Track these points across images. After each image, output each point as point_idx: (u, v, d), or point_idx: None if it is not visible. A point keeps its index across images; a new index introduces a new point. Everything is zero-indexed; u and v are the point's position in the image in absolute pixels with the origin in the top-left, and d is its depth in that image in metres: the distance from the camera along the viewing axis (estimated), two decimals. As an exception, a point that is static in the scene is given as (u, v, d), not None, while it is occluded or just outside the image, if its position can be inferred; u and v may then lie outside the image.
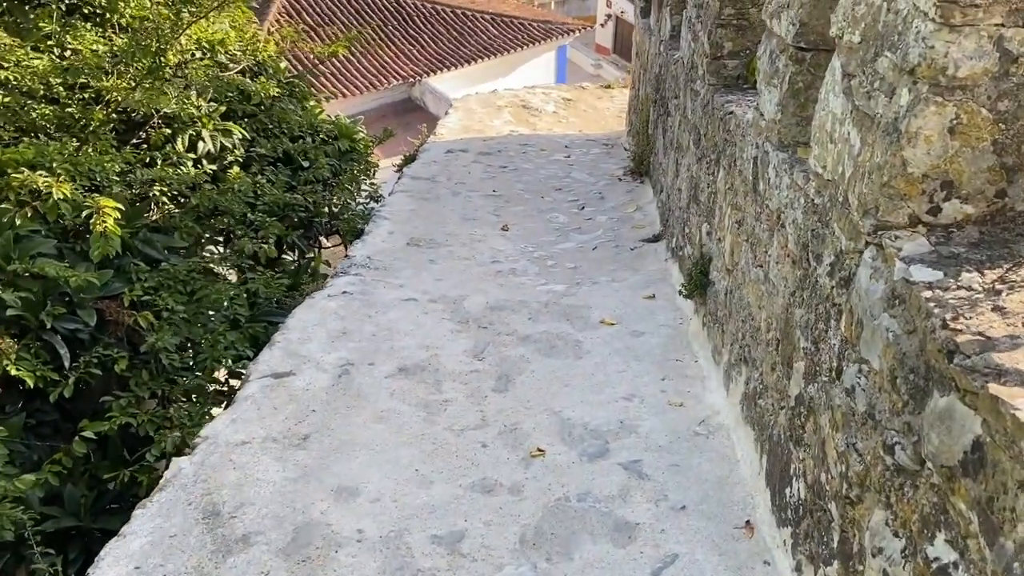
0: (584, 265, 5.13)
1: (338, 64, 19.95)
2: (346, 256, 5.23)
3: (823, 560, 2.02)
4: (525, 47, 21.77)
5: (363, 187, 7.27)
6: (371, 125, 20.44)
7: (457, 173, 7.03)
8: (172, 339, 4.41)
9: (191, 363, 4.66)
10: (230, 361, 4.84)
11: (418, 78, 20.30)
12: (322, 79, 19.46)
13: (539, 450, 3.00)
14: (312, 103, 7.50)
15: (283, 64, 7.20)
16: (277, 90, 6.66)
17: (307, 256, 6.70)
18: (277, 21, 20.34)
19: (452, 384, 3.53)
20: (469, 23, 21.91)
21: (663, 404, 3.33)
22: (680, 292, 4.06)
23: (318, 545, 2.48)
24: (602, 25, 40.54)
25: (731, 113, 3.52)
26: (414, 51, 21.07)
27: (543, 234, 5.73)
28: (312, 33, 20.67)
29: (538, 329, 4.11)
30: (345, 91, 19.33)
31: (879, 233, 1.86)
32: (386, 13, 21.62)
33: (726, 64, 3.96)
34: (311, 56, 8.02)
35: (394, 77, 20.32)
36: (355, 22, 21.26)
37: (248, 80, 6.36)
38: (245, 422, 3.18)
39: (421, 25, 21.63)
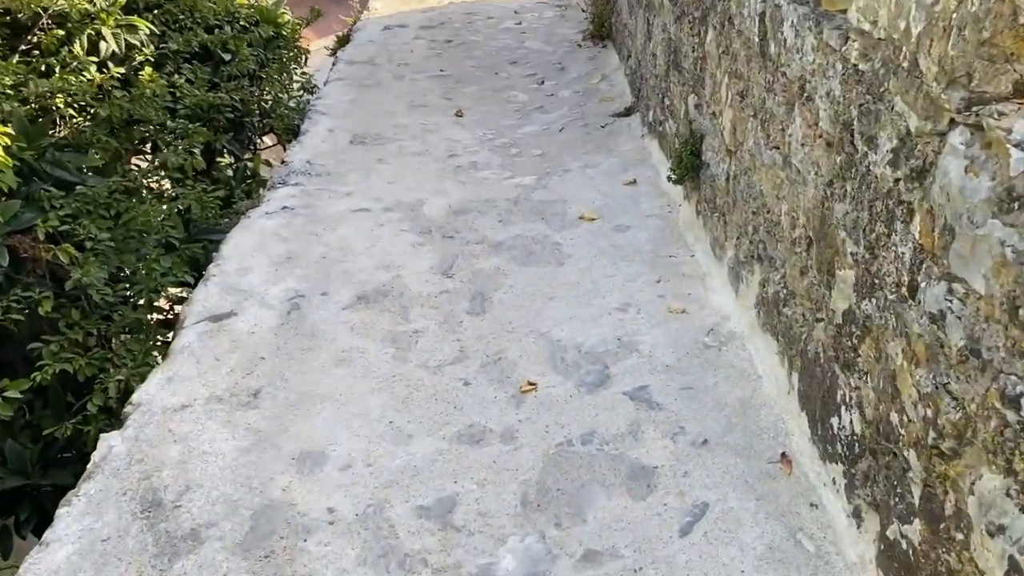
0: (552, 150, 4.59)
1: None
2: (282, 162, 4.62)
3: (897, 515, 1.66)
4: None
5: (295, 78, 6.53)
6: (299, 4, 19.02)
7: (398, 52, 6.29)
8: (100, 272, 3.88)
9: (127, 296, 4.17)
10: (170, 289, 4.36)
11: (344, -53, 18.64)
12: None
13: (530, 383, 2.59)
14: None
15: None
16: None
17: (242, 160, 6.05)
18: None
19: (421, 310, 3.07)
20: None
21: (663, 312, 2.93)
22: (668, 177, 3.58)
23: (282, 534, 2.08)
24: None
25: None
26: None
27: (502, 117, 5.13)
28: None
29: (511, 233, 3.63)
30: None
31: (974, 110, 1.39)
32: None
33: (706, -101, 3.32)
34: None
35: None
36: None
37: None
38: (183, 380, 2.71)
39: None
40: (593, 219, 3.70)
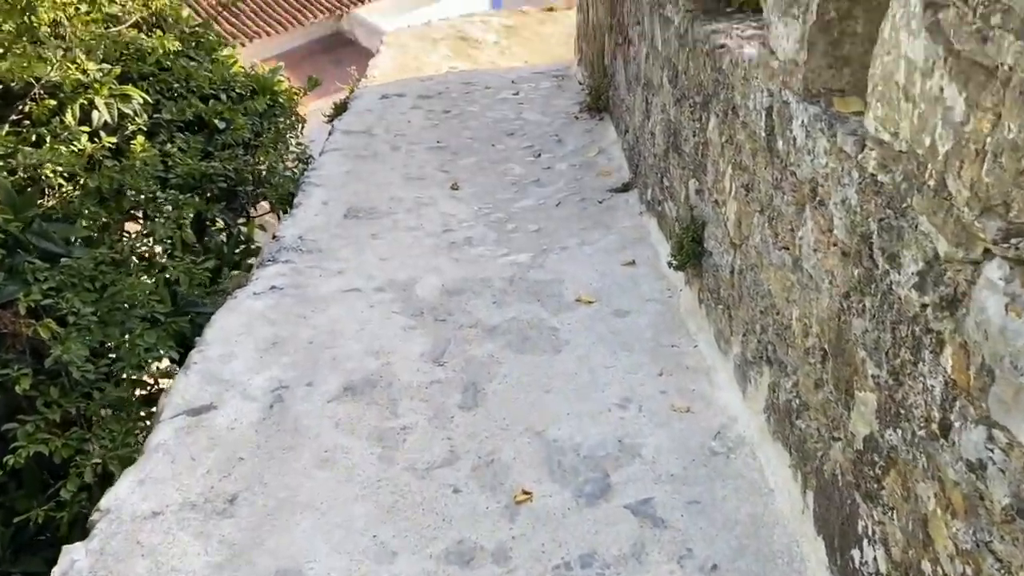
0: (548, 225, 4.50)
1: (259, 1, 18.58)
2: (273, 237, 4.51)
3: None
4: (455, -32, 20.47)
5: (291, 147, 6.48)
6: (299, 64, 19.24)
7: (395, 123, 6.26)
8: (81, 349, 3.74)
9: (110, 371, 4.02)
10: (154, 367, 4.23)
11: (345, 9, 19.02)
12: (241, 18, 18.12)
13: (525, 492, 2.43)
14: (225, 53, 6.59)
15: (185, 12, 6.26)
16: (178, 44, 5.77)
17: (234, 227, 5.96)
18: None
19: (410, 403, 2.92)
20: (394, -54, 20.46)
21: (666, 410, 2.78)
22: (669, 263, 3.47)
23: (253, 673, 1.91)
24: (535, -60, 38.90)
25: (722, 47, 2.87)
26: (338, -19, 19.66)
27: (498, 190, 5.06)
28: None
29: (505, 315, 3.50)
30: (268, 29, 18.08)
31: (1014, 242, 1.27)
32: (303, -59, 20.07)
33: (706, -15, 3.29)
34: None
35: (319, 10, 19.03)
36: (272, -49, 19.72)
37: (143, 35, 5.44)
38: (156, 483, 2.55)
39: (342, -49, 20.13)
40: (591, 302, 3.58)
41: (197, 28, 6.24)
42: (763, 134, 2.41)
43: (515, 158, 5.59)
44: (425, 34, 8.87)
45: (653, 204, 4.19)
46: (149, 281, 4.62)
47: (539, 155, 5.60)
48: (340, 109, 7.20)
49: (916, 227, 1.55)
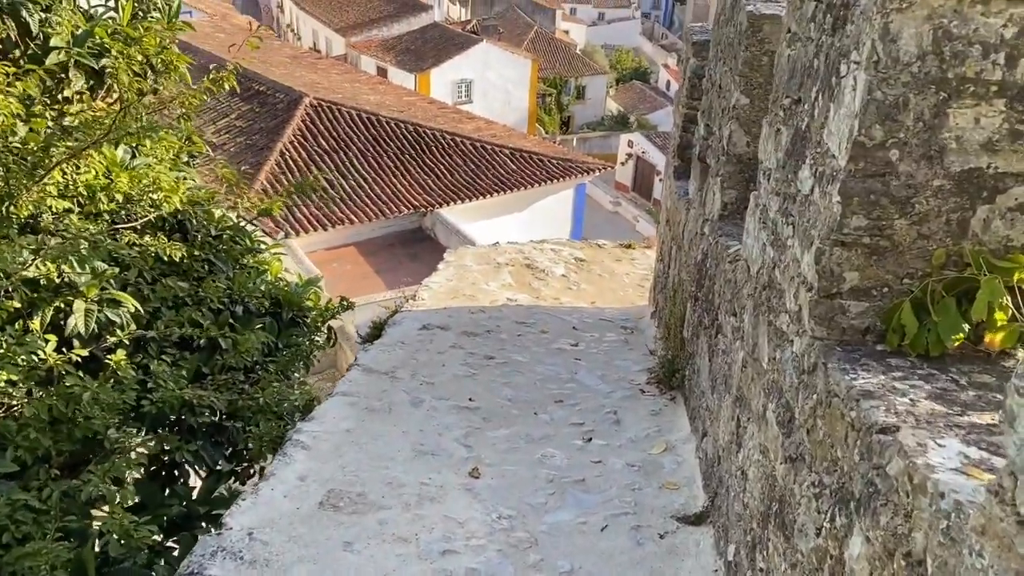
0: (587, 565, 3.27)
1: (348, 189, 18.98)
2: (219, 524, 3.41)
3: None
4: (543, 183, 20.76)
5: (305, 375, 5.55)
6: (375, 253, 19.22)
7: (427, 365, 5.29)
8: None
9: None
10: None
11: (430, 208, 19.21)
12: (332, 204, 18.39)
13: None
14: (258, 258, 5.88)
15: (218, 212, 5.63)
16: (197, 251, 5.06)
17: (217, 471, 4.89)
18: (291, 143, 19.51)
19: None
20: (487, 156, 21.02)
21: None
22: None
23: None
24: (622, 164, 40.33)
25: (885, 434, 1.76)
26: (429, 180, 20.10)
27: (529, 488, 3.89)
28: (328, 157, 19.83)
29: None
30: (354, 217, 18.26)
31: None
32: (404, 141, 20.84)
33: (846, 308, 2.25)
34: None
35: (406, 206, 19.27)
36: (372, 148, 20.42)
37: (155, 239, 4.72)
38: None
39: (439, 155, 20.77)
40: None
41: (225, 231, 5.55)
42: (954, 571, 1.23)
43: (559, 438, 4.47)
44: (489, 256, 8.18)
45: (735, 569, 2.94)
46: (66, 545, 3.57)
47: (590, 439, 4.46)
48: (376, 331, 6.33)
49: None
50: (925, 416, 1.79)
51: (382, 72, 36.16)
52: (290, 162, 18.71)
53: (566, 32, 54.18)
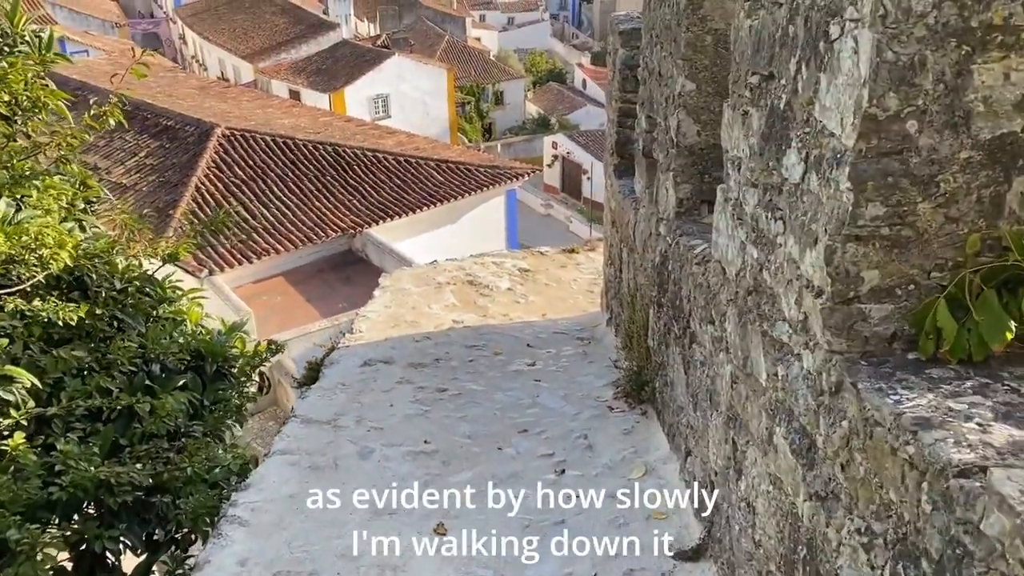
0: (580, 627, 2.85)
1: (272, 218, 18.23)
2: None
3: None
4: (472, 193, 20.35)
5: (234, 436, 4.98)
6: (307, 281, 18.45)
7: (373, 407, 4.79)
8: None
9: None
10: None
11: (359, 230, 18.60)
12: (254, 235, 17.66)
13: None
14: (174, 308, 5.28)
15: (122, 263, 5.01)
16: (100, 309, 4.47)
17: (150, 554, 4.30)
18: (206, 177, 18.66)
19: None
20: (413, 170, 20.51)
21: None
22: None
23: None
24: (549, 166, 40.26)
25: (940, 455, 1.40)
26: (355, 201, 19.49)
27: (504, 540, 3.44)
28: (245, 187, 19.00)
29: None
30: (279, 246, 17.52)
31: None
32: (324, 162, 20.18)
33: (867, 313, 1.89)
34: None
35: (332, 229, 18.64)
36: (291, 173, 19.70)
37: (40, 303, 4.11)
38: None
39: (362, 174, 20.18)
40: None
41: (132, 281, 4.94)
42: None
43: (529, 474, 4.04)
44: (428, 277, 7.71)
45: (751, 615, 2.57)
46: None
47: (563, 471, 4.05)
48: (313, 373, 5.80)
49: None
50: (1008, 447, 1.43)
51: (295, 95, 35.23)
52: (207, 196, 17.87)
53: (478, 39, 53.94)
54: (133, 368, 4.48)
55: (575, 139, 39.69)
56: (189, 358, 4.99)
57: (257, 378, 5.46)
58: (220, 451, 4.58)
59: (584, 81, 50.02)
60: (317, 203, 18.67)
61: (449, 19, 53.04)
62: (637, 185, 5.00)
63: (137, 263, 5.12)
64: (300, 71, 37.87)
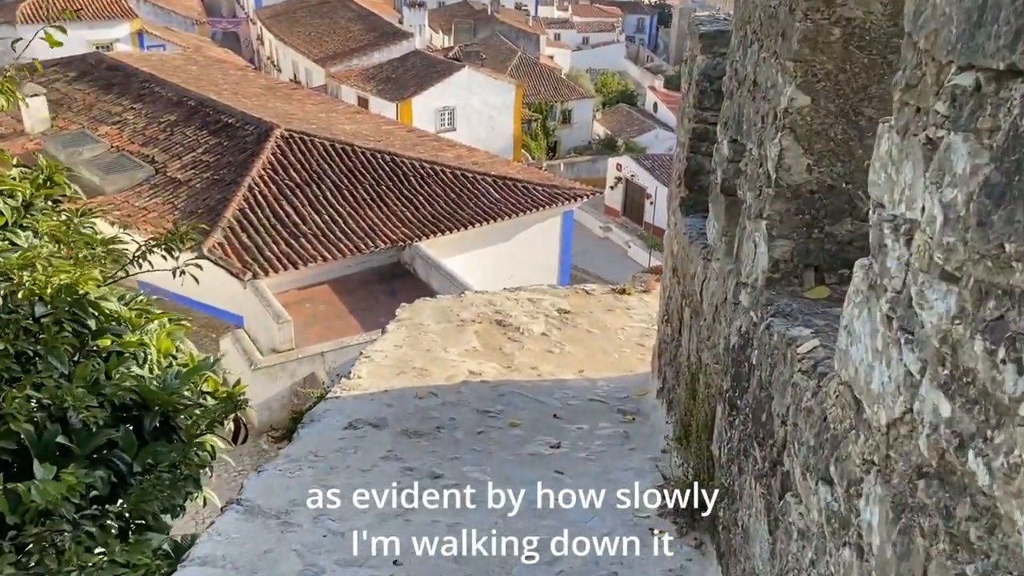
0: None
1: (322, 224, 17.42)
2: None
3: None
4: (528, 212, 19.23)
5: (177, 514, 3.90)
6: (354, 291, 17.52)
7: (342, 497, 3.64)
8: None
9: None
10: None
11: (409, 242, 17.66)
12: (302, 240, 16.91)
13: None
14: (133, 338, 4.23)
15: (51, 284, 3.99)
16: (6, 345, 3.47)
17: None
18: (260, 177, 18.01)
19: None
20: (469, 185, 19.51)
21: None
22: None
23: None
24: (611, 188, 38.92)
25: None
26: (407, 212, 18.54)
27: None
28: (299, 191, 18.28)
29: None
30: (327, 253, 16.69)
31: None
32: (380, 171, 19.32)
33: None
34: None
35: (383, 240, 17.70)
36: (347, 180, 18.90)
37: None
38: None
39: (417, 185, 19.24)
40: None
41: (65, 308, 3.91)
42: None
43: (529, 634, 2.84)
44: (451, 311, 6.58)
45: None
46: None
47: (576, 635, 2.84)
48: (293, 424, 4.72)
49: None
50: None
51: (363, 102, 34.82)
52: (259, 197, 17.18)
53: (551, 57, 53.05)
54: (33, 423, 3.45)
55: (641, 162, 38.33)
56: (129, 404, 3.96)
57: (232, 424, 4.40)
58: (137, 545, 3.48)
59: (655, 104, 48.61)
60: (370, 212, 17.81)
61: (524, 35, 52.29)
62: (711, 229, 3.78)
63: (73, 284, 4.10)
64: (370, 78, 37.51)
